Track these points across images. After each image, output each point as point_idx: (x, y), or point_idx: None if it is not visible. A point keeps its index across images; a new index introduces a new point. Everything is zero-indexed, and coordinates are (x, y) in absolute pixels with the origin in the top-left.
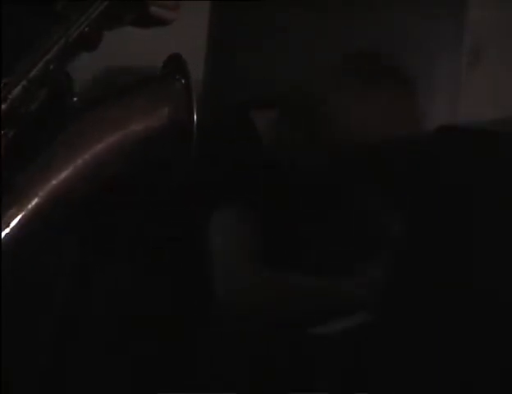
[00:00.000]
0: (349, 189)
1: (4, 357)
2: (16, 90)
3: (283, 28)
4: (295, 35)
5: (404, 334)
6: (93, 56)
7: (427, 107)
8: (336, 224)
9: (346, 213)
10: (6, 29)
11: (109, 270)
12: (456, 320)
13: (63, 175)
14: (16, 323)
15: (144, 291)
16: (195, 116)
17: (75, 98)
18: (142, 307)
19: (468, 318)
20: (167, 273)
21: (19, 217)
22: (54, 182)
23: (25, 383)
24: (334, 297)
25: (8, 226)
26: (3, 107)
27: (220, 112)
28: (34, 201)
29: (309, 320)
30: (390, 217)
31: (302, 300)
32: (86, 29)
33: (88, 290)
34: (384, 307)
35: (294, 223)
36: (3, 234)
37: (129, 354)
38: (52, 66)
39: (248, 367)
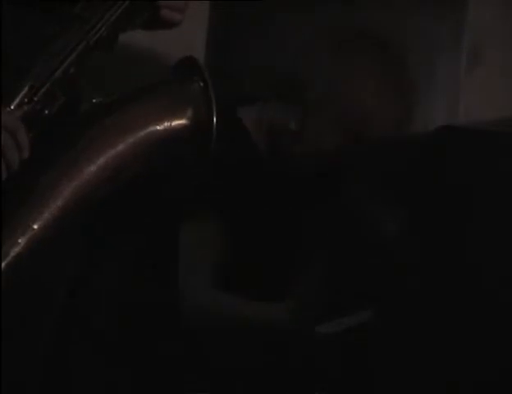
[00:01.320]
0: (343, 187)
1: (5, 357)
2: (41, 92)
3: (282, 27)
4: (294, 34)
5: (405, 334)
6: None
7: (427, 107)
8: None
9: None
10: (24, 31)
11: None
12: (457, 320)
13: (86, 176)
14: (26, 322)
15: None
16: (215, 118)
17: (94, 100)
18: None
19: (470, 317)
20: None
21: (45, 217)
22: (77, 183)
23: (26, 383)
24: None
25: (35, 227)
26: (28, 109)
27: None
28: (60, 201)
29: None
30: (390, 217)
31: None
32: (105, 32)
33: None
34: (385, 307)
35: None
36: (29, 236)
37: (129, 354)
38: (73, 69)
39: (248, 368)
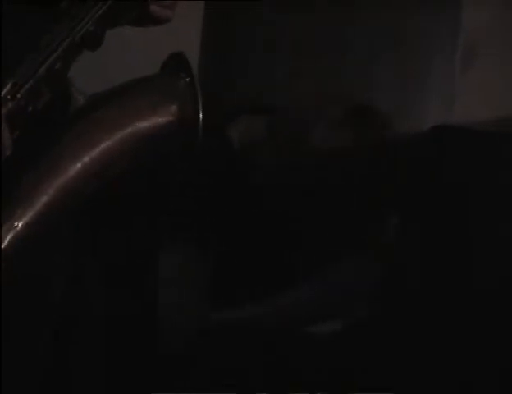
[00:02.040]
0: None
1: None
2: (24, 89)
3: (279, 29)
4: (288, 38)
5: (401, 334)
6: (87, 54)
7: (423, 106)
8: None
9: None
10: (9, 28)
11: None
12: (454, 319)
13: (71, 172)
14: (23, 318)
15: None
16: (201, 114)
17: (80, 97)
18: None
19: (469, 317)
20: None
21: (29, 215)
22: (62, 180)
23: (25, 384)
24: None
25: (18, 226)
26: (11, 106)
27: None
28: (44, 198)
29: None
30: (387, 217)
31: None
32: (91, 28)
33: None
34: (380, 307)
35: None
36: (14, 232)
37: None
38: (58, 66)
39: (247, 368)
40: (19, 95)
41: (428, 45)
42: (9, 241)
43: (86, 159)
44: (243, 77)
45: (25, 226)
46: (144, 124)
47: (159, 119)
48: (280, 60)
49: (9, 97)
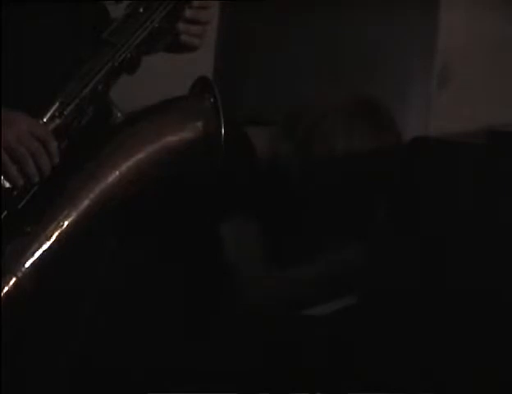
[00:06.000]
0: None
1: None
2: (70, 107)
3: (279, 29)
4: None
5: (389, 317)
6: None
7: (403, 120)
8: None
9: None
10: (61, 55)
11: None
12: (438, 304)
13: (110, 180)
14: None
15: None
16: (223, 131)
17: (119, 114)
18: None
19: (452, 302)
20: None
21: (73, 216)
22: (103, 186)
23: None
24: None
25: (63, 224)
26: (59, 122)
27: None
28: (86, 202)
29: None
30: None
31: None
32: (129, 55)
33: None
34: (370, 291)
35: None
36: (59, 231)
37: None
38: (100, 87)
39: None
40: (66, 112)
41: (404, 67)
42: (55, 238)
43: (123, 168)
44: (243, 77)
45: (70, 225)
46: (173, 139)
47: (186, 134)
48: (280, 60)
49: (57, 114)
